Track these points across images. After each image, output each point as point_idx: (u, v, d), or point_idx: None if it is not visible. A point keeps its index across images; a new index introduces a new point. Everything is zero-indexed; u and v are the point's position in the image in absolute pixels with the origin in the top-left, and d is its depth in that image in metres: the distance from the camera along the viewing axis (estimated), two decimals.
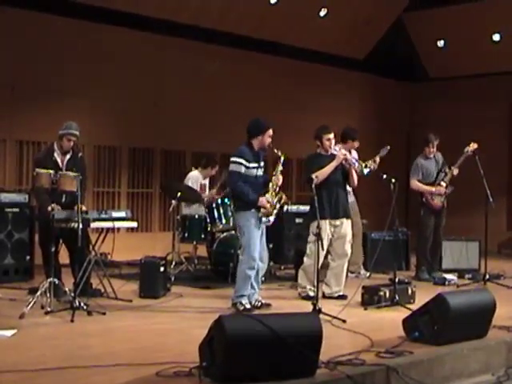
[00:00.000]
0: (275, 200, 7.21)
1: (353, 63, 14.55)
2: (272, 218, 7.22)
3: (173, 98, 11.93)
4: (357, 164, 8.26)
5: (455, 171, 9.67)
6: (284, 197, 7.29)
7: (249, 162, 7.11)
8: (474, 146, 9.44)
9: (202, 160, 10.26)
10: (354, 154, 9.48)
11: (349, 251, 8.08)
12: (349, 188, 9.36)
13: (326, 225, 7.80)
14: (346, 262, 8.10)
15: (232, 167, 7.15)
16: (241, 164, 7.08)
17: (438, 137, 9.75)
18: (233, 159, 7.15)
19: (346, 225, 8.02)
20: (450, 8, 13.93)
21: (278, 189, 7.26)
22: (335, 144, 8.19)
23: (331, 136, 8.00)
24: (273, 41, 13.00)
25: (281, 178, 7.29)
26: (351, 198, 9.65)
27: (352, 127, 9.61)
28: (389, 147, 9.16)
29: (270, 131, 7.21)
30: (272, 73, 13.10)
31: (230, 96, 12.40)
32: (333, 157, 7.96)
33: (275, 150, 7.22)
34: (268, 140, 7.19)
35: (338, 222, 7.92)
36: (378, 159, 9.09)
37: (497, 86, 14.46)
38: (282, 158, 7.24)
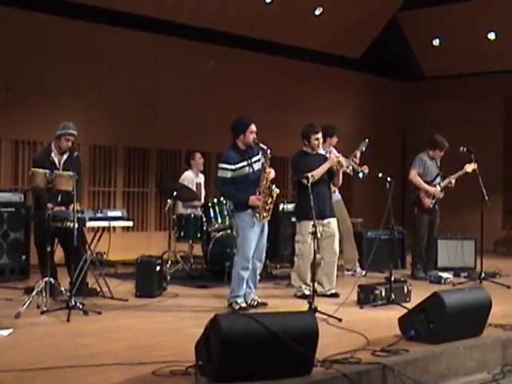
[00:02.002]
0: (267, 196, 7.07)
1: (348, 62, 14.55)
2: (266, 214, 7.07)
3: (168, 97, 11.91)
4: (350, 167, 8.29)
5: (453, 181, 9.71)
6: (276, 190, 7.12)
7: (235, 163, 7.07)
8: (473, 166, 9.47)
9: (186, 161, 10.25)
10: (334, 150, 9.42)
11: (337, 249, 8.09)
12: (333, 187, 9.38)
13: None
14: (336, 260, 8.09)
15: (218, 173, 7.16)
16: (226, 169, 7.07)
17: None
18: (219, 165, 7.18)
19: (333, 224, 8.02)
20: (445, 7, 13.94)
21: (269, 184, 7.11)
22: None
23: (319, 136, 7.99)
24: (268, 40, 12.99)
25: (272, 172, 7.13)
26: (337, 197, 9.62)
27: (329, 124, 9.47)
28: (367, 140, 9.12)
29: (252, 127, 7.12)
30: (268, 72, 13.10)
31: (226, 95, 12.39)
32: (319, 155, 7.96)
33: (260, 145, 7.08)
34: (251, 136, 7.10)
35: (325, 222, 7.88)
36: (358, 154, 9.07)
37: (492, 85, 14.49)
38: (269, 152, 7.06)
